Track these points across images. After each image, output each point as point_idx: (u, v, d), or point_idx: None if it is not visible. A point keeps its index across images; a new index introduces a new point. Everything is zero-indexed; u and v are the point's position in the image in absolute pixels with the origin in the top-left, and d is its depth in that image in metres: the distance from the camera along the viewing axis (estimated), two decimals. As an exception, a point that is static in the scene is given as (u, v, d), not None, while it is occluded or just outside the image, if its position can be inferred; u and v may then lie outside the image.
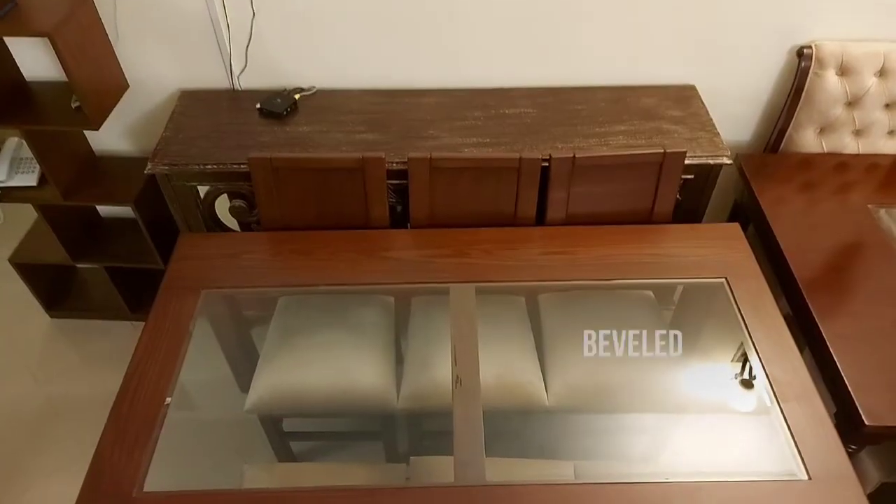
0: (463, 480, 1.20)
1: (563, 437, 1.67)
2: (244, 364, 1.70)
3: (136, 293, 2.19)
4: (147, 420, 1.26)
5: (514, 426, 1.72)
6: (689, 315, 1.75)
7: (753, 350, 1.38)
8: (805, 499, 1.15)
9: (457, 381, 1.36)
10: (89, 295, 2.26)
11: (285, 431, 1.77)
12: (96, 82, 1.75)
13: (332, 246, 1.59)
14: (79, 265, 2.11)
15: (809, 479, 1.17)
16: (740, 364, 1.47)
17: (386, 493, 1.19)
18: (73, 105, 1.80)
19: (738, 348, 1.48)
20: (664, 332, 1.70)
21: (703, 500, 1.15)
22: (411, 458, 1.47)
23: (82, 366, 2.14)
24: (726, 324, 1.51)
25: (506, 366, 1.63)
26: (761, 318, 1.44)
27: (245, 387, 1.60)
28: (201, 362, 1.61)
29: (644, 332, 1.70)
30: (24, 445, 1.95)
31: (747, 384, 1.43)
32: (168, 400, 1.30)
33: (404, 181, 1.66)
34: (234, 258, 1.57)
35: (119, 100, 1.85)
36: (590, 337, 1.68)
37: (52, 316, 2.26)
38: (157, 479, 1.20)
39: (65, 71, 1.63)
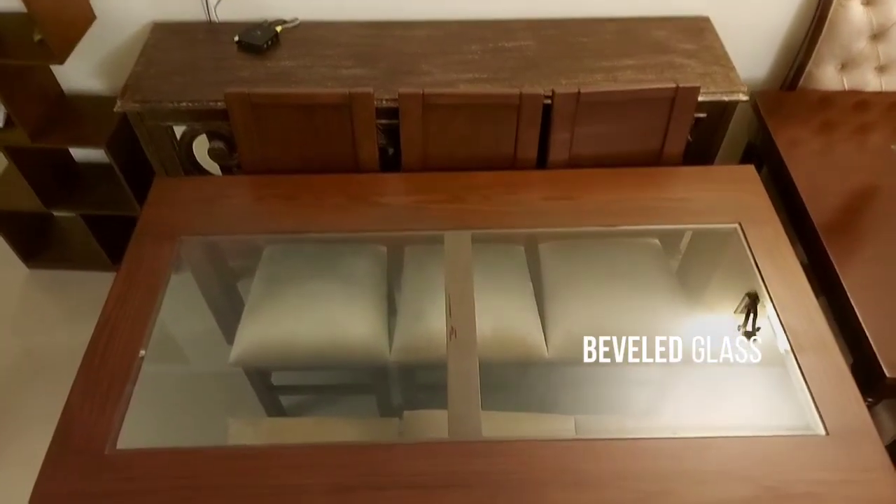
0: (457, 435, 1.13)
1: (563, 390, 1.60)
2: (228, 315, 1.61)
3: (116, 243, 2.08)
4: (119, 373, 1.18)
5: (511, 379, 1.65)
6: (699, 263, 1.66)
7: (768, 298, 1.29)
8: (822, 454, 1.09)
9: (451, 332, 1.28)
10: (68, 245, 2.16)
11: (274, 385, 1.70)
12: (59, 12, 1.61)
13: (318, 191, 1.48)
14: (54, 213, 2.00)
15: (827, 433, 1.10)
16: (751, 314, 1.39)
17: (378, 448, 1.12)
18: (36, 38, 1.65)
19: (751, 297, 1.40)
20: (671, 281, 1.62)
21: (713, 456, 1.09)
22: (405, 412, 1.40)
23: (62, 318, 2.05)
24: (738, 271, 1.42)
25: (503, 317, 1.55)
26: (777, 264, 1.35)
27: (229, 339, 1.53)
28: (181, 314, 1.53)
29: (649, 281, 1.62)
30: (2, 399, 1.89)
31: (756, 335, 1.35)
32: (142, 352, 1.21)
33: (395, 121, 1.53)
34: (213, 203, 1.46)
35: (85, 32, 1.71)
36: (592, 287, 1.61)
37: (30, 267, 2.16)
38: (131, 436, 1.13)
39: (23, 0, 1.49)
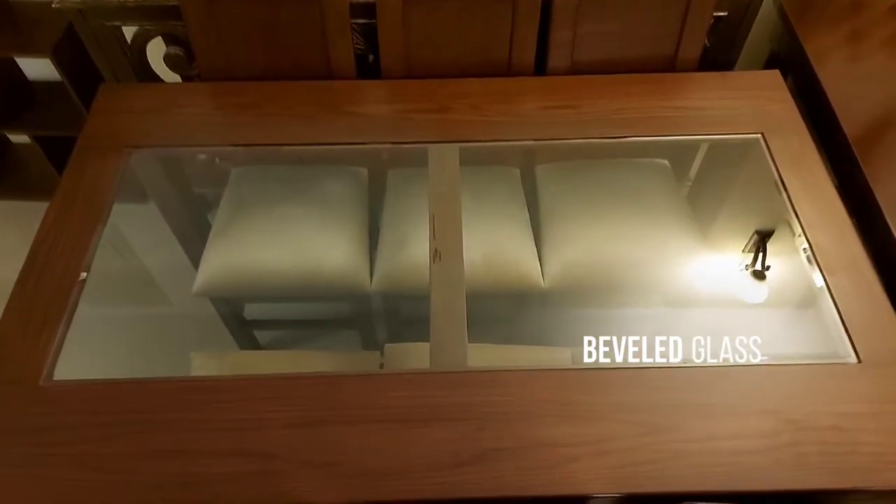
0: (440, 366, 1.00)
1: (561, 323, 1.47)
2: (192, 241, 1.47)
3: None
4: (58, 298, 1.04)
5: (504, 312, 1.52)
6: (714, 181, 1.50)
7: (794, 215, 1.15)
8: (852, 384, 0.96)
9: (435, 255, 1.13)
10: (26, 174, 1.99)
11: (246, 320, 1.57)
12: None
13: (286, 99, 1.31)
14: (8, 136, 1.84)
15: (859, 361, 0.97)
16: (761, 252, 1.24)
17: (350, 380, 0.99)
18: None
19: (761, 235, 1.26)
20: (681, 205, 1.47)
21: (727, 387, 0.96)
22: (386, 345, 1.27)
23: (20, 249, 1.91)
24: (760, 188, 1.27)
25: (495, 243, 1.40)
26: (804, 178, 1.19)
27: (195, 267, 1.39)
28: (135, 237, 1.38)
29: (657, 206, 1.47)
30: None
31: (769, 270, 1.21)
32: (83, 275, 1.07)
33: (373, 20, 1.35)
34: (167, 113, 1.29)
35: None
36: (593, 213, 1.46)
37: (-13, 198, 2.01)
38: (71, 367, 1.00)
39: None
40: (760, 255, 1.26)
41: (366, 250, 1.42)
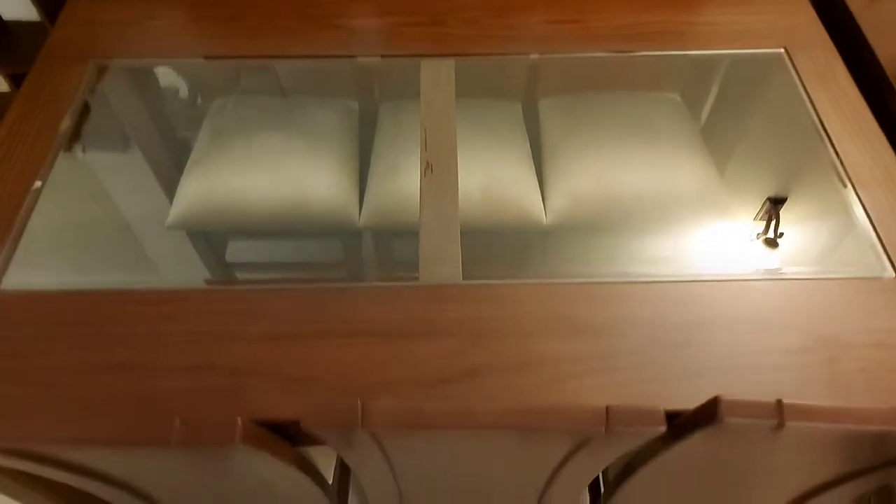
0: (430, 279, 0.91)
1: (563, 262, 1.37)
2: (166, 170, 1.37)
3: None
4: (9, 206, 0.95)
5: (502, 249, 1.42)
6: (731, 112, 1.40)
7: (823, 132, 1.05)
8: (889, 299, 0.86)
9: (427, 167, 1.04)
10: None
11: (228, 263, 1.48)
12: None
13: (267, 10, 1.21)
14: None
15: (897, 275, 0.88)
16: (773, 221, 1.14)
17: (331, 292, 0.89)
18: None
19: (773, 202, 1.16)
20: (694, 139, 1.37)
21: (752, 302, 0.86)
22: (376, 283, 1.18)
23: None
24: (784, 106, 1.17)
25: (494, 176, 1.30)
26: (832, 93, 1.09)
27: (169, 198, 1.29)
28: (101, 160, 1.29)
29: (668, 139, 1.37)
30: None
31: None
32: (38, 184, 0.98)
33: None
34: (141, 24, 1.19)
35: None
36: (599, 146, 1.36)
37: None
38: (21, 278, 0.91)
39: None
40: (773, 221, 1.16)
41: (355, 183, 1.32)
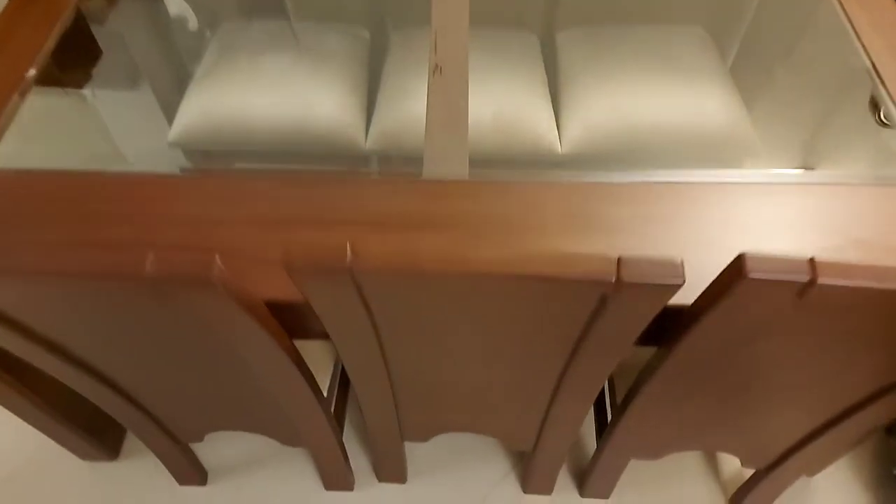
0: (435, 173, 0.86)
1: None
2: (168, 88, 1.34)
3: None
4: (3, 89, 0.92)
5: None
6: (762, 42, 1.34)
7: (865, 55, 0.98)
8: (930, 204, 0.80)
9: (436, 69, 0.99)
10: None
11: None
12: None
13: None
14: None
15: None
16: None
17: (327, 182, 0.84)
18: None
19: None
20: (720, 70, 1.31)
21: (779, 203, 0.80)
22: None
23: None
24: (821, 35, 1.10)
25: (507, 103, 1.25)
26: (873, 17, 1.03)
27: (168, 118, 1.26)
28: (104, 75, 1.27)
29: (692, 71, 1.31)
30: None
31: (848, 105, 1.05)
32: (32, 72, 0.95)
33: None
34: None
35: None
36: (618, 77, 1.30)
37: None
38: (7, 159, 0.88)
39: None
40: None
41: (362, 107, 1.28)
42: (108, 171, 0.85)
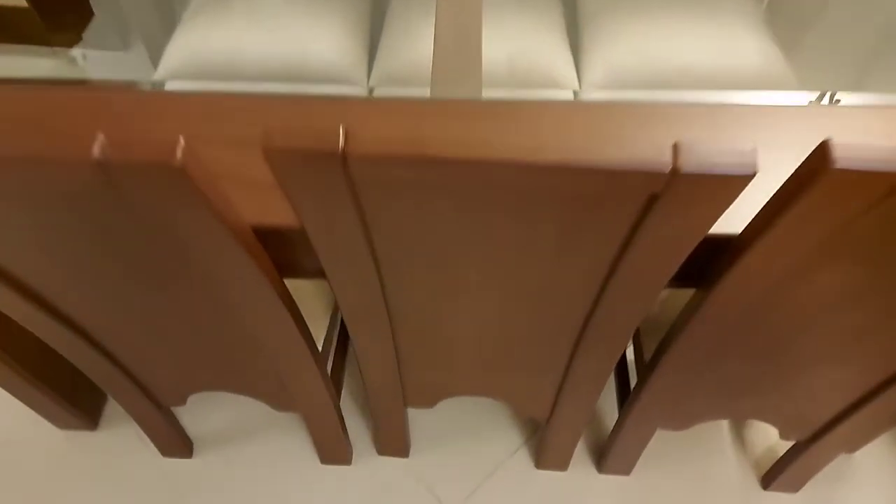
0: (444, 91, 0.76)
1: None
2: (161, 46, 1.25)
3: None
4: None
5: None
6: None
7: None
8: None
9: None
10: None
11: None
12: None
13: None
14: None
15: None
16: None
17: (324, 103, 0.75)
18: None
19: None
20: (756, 14, 1.20)
21: (835, 131, 0.70)
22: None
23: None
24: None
25: (523, 40, 1.15)
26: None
27: (154, 56, 1.17)
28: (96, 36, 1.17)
29: (726, 13, 1.21)
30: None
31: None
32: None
33: None
34: None
35: None
36: (641, 18, 1.20)
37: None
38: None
39: None
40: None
41: (364, 46, 1.18)
42: (75, 87, 0.76)
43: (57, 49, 1.76)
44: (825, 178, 0.43)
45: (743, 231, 0.58)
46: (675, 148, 0.42)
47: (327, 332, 0.92)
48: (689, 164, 0.42)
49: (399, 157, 0.44)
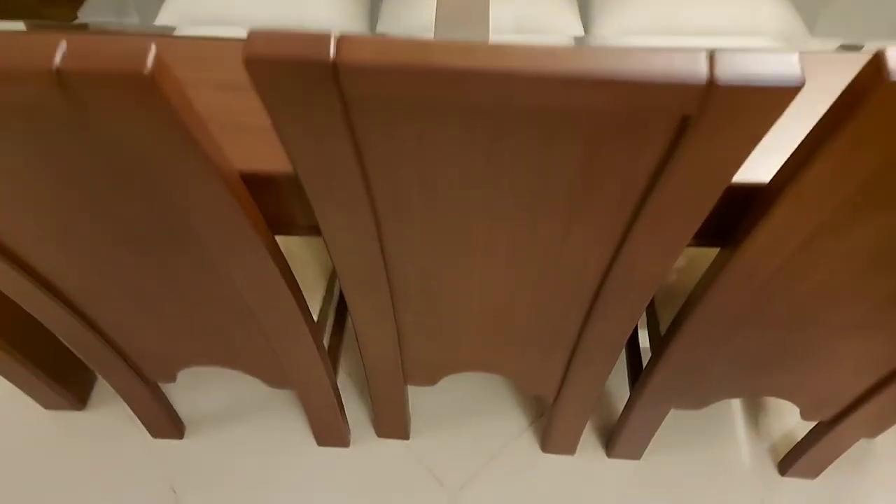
0: (448, 35, 0.71)
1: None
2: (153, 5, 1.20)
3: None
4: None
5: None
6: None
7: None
8: None
9: (450, -62, 0.84)
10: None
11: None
12: None
13: None
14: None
15: None
16: None
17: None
18: None
19: None
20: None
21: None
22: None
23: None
24: None
25: (531, 9, 1.11)
26: None
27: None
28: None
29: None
30: None
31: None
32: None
33: None
34: None
35: None
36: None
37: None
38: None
39: None
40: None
41: (365, 14, 1.14)
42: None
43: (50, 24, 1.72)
44: (879, 94, 0.38)
45: (774, 177, 0.53)
46: (711, 57, 0.38)
47: (323, 303, 0.88)
48: (726, 74, 0.37)
49: (399, 68, 0.39)
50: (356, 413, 1.12)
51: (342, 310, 1.04)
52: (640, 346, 1.01)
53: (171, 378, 0.94)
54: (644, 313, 0.92)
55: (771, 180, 0.54)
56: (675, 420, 1.07)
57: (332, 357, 0.95)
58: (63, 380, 1.09)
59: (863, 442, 1.08)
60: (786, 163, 0.51)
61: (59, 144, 0.48)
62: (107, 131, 0.45)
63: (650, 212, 0.50)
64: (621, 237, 0.54)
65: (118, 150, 0.47)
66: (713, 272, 0.66)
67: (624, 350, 1.05)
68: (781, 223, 0.54)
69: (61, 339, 0.86)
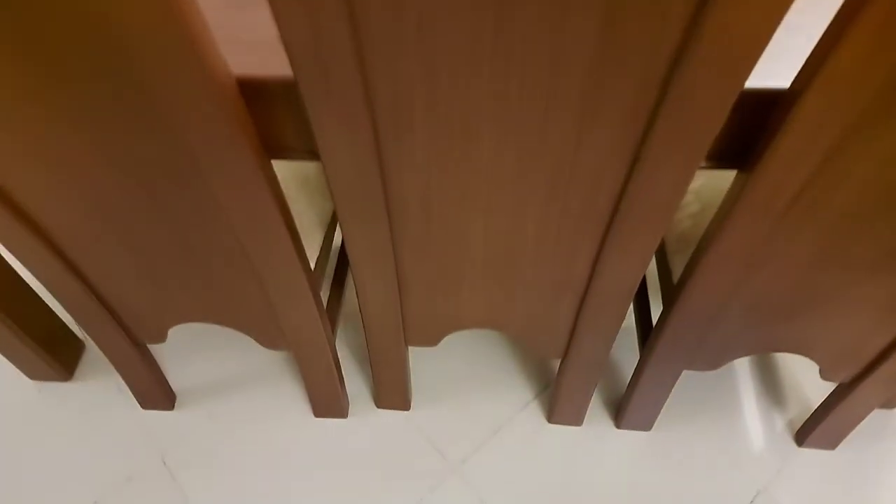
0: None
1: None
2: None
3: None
4: None
5: None
6: None
7: None
8: None
9: None
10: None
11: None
12: None
13: None
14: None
15: None
16: None
17: None
18: None
19: None
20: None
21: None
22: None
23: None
24: None
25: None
26: None
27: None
28: None
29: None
30: None
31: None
32: None
33: None
34: None
35: None
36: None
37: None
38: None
39: None
40: None
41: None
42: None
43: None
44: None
45: (796, 78, 0.50)
46: None
47: (320, 253, 0.84)
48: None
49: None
50: (355, 386, 1.08)
51: (341, 274, 1.01)
52: (651, 309, 0.98)
53: (162, 337, 0.90)
54: (655, 264, 0.89)
55: (792, 82, 0.51)
56: (687, 390, 1.03)
57: (330, 319, 0.92)
58: (50, 348, 1.05)
59: (881, 415, 1.04)
60: (808, 58, 0.48)
61: (49, 39, 0.45)
62: (105, 20, 0.42)
63: (667, 111, 0.47)
64: (637, 145, 0.51)
65: (116, 48, 0.44)
66: (730, 201, 0.63)
67: (632, 310, 1.02)
68: (805, 129, 0.51)
69: (46, 287, 0.82)
